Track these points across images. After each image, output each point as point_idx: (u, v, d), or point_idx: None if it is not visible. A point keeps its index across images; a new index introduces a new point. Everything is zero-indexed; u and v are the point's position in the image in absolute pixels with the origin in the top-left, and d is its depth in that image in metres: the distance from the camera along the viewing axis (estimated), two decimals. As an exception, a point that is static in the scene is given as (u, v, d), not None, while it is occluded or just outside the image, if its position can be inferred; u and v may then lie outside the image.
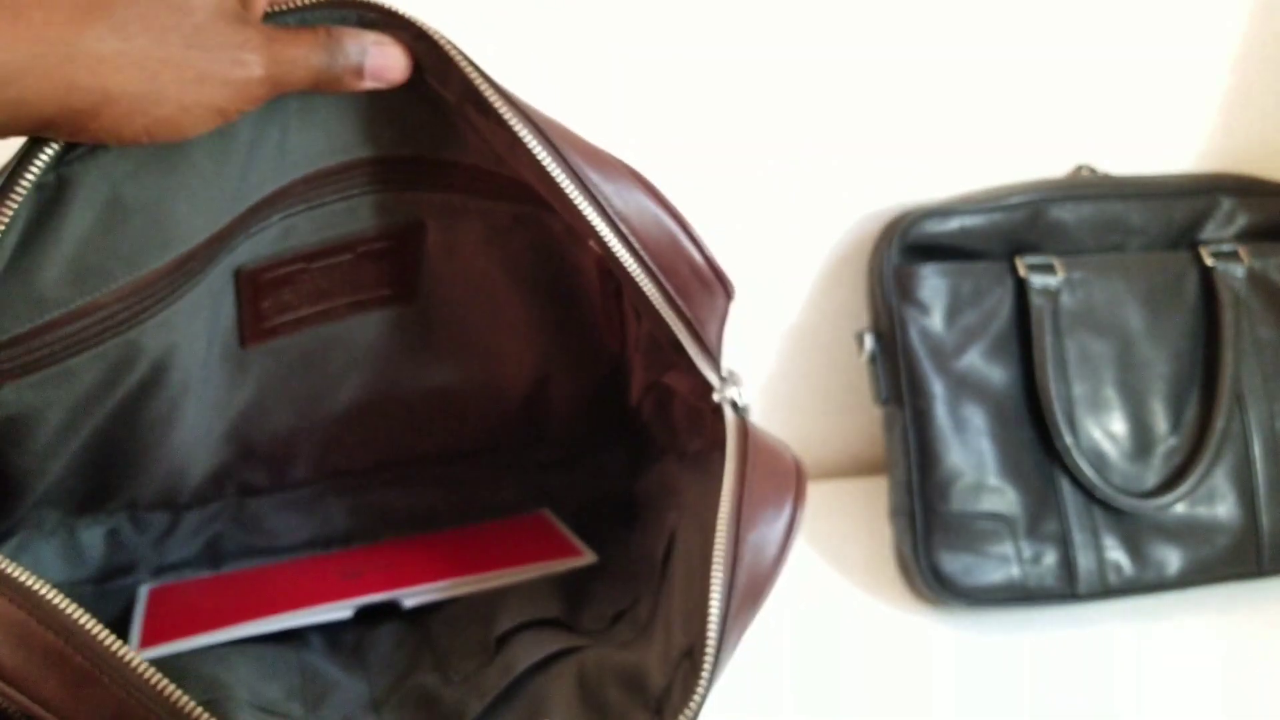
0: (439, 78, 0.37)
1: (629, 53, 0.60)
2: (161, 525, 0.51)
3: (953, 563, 0.58)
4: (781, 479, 0.40)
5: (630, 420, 0.54)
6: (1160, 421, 0.62)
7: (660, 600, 0.42)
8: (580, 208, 0.37)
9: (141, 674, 0.29)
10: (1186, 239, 0.64)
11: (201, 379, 0.45)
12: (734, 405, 0.42)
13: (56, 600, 0.29)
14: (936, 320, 0.61)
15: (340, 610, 0.47)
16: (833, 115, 0.63)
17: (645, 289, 0.39)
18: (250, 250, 0.43)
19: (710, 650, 0.35)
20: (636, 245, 0.38)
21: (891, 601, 0.61)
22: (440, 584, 0.48)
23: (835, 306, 0.68)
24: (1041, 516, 0.60)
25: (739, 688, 0.55)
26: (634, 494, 0.53)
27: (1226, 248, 0.64)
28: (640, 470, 0.54)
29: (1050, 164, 0.67)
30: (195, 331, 0.43)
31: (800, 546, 0.67)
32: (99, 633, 0.29)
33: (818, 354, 0.70)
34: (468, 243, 0.48)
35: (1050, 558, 0.59)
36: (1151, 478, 0.61)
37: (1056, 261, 0.62)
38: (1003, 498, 0.60)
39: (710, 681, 0.35)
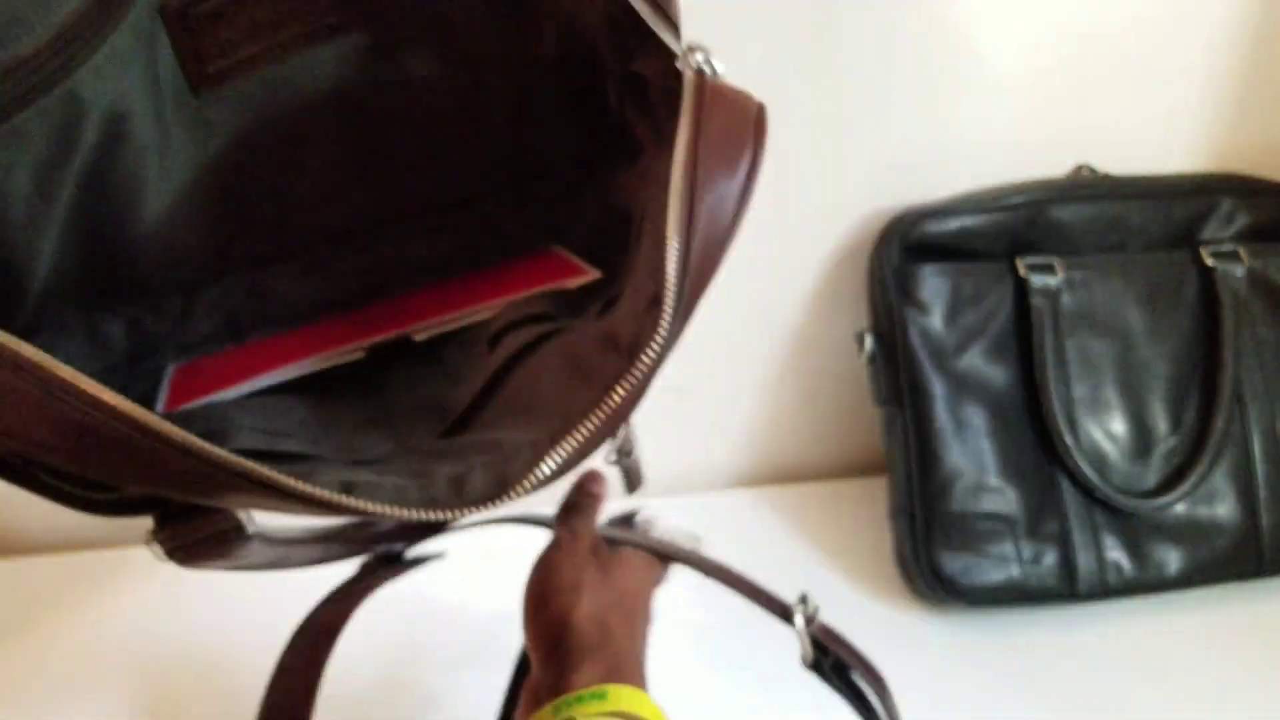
0: None
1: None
2: (177, 307, 0.51)
3: (953, 563, 0.58)
4: (739, 125, 0.38)
5: (617, 126, 0.51)
6: (1160, 422, 0.62)
7: (631, 271, 0.41)
8: None
9: (88, 390, 0.29)
10: (1186, 239, 0.64)
11: (161, 133, 0.45)
12: (701, 71, 0.40)
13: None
14: (937, 320, 0.61)
15: (353, 352, 0.47)
16: (833, 115, 0.63)
17: None
18: None
19: (670, 290, 0.35)
20: None
21: (891, 601, 0.61)
22: (449, 315, 0.49)
23: (835, 307, 0.68)
24: (1041, 517, 0.60)
25: (739, 687, 0.55)
26: (625, 200, 0.52)
27: (1226, 248, 0.64)
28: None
29: (1050, 164, 0.67)
30: (135, 80, 0.43)
31: (800, 546, 0.67)
32: (43, 360, 0.29)
33: (818, 354, 0.70)
34: None
35: (1050, 558, 0.59)
36: (1151, 478, 0.61)
37: (1057, 262, 0.62)
38: (1003, 498, 0.59)
39: (673, 321, 0.35)
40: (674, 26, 0.40)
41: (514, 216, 0.55)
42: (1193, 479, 0.61)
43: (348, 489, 0.34)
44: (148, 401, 0.47)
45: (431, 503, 0.35)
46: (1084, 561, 0.59)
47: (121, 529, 0.52)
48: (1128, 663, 0.56)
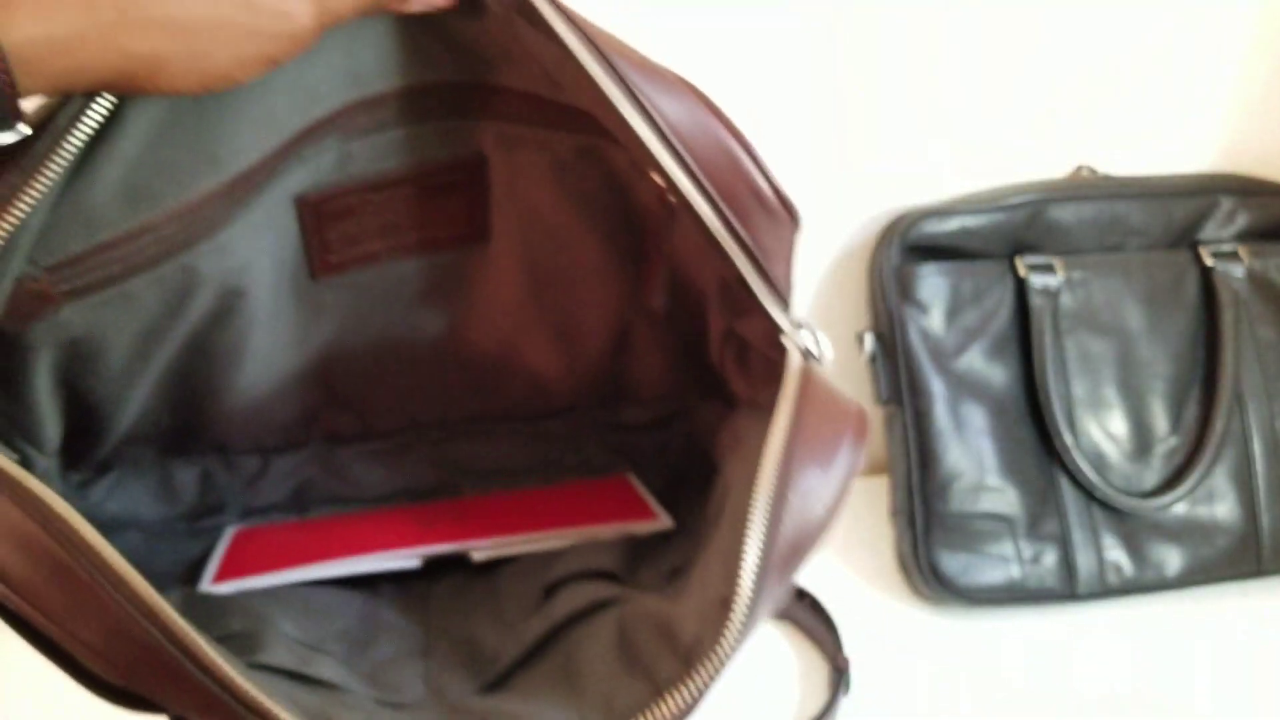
0: None
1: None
2: (252, 468, 0.52)
3: (952, 562, 0.59)
4: (839, 423, 0.36)
5: (716, 377, 0.50)
6: (1160, 421, 0.62)
7: (705, 550, 0.39)
8: (628, 117, 0.35)
9: (140, 594, 0.29)
10: (1186, 239, 0.64)
11: (272, 311, 0.46)
12: (806, 353, 0.39)
13: (66, 514, 0.29)
14: (937, 320, 0.61)
15: (408, 559, 0.47)
16: (833, 116, 0.63)
17: (701, 211, 0.36)
18: (309, 177, 0.43)
19: (742, 598, 0.33)
20: (690, 162, 0.36)
21: (891, 601, 0.61)
22: (510, 538, 0.48)
23: (835, 307, 0.68)
24: (1041, 516, 0.60)
25: (737, 686, 0.55)
26: (712, 451, 0.50)
27: (1226, 248, 0.64)
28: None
29: (1050, 164, 0.67)
30: (258, 259, 0.43)
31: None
32: (104, 550, 0.29)
33: (818, 354, 0.70)
34: (531, 176, 0.47)
35: (1050, 557, 0.59)
36: (1151, 478, 0.61)
37: (1056, 261, 0.62)
38: (1002, 497, 0.60)
39: (741, 633, 0.33)
40: (784, 301, 0.40)
41: (597, 438, 0.55)
42: (1192, 479, 0.61)
43: None
44: (205, 562, 0.48)
45: None
46: (1084, 561, 0.59)
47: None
48: (1127, 662, 0.56)
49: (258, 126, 0.39)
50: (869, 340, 0.62)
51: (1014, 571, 0.59)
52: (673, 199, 0.37)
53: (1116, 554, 0.60)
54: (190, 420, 0.49)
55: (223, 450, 0.51)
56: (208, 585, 0.45)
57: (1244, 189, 0.65)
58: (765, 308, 0.39)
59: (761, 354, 0.43)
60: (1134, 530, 0.61)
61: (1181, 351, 0.63)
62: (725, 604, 0.33)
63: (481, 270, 0.49)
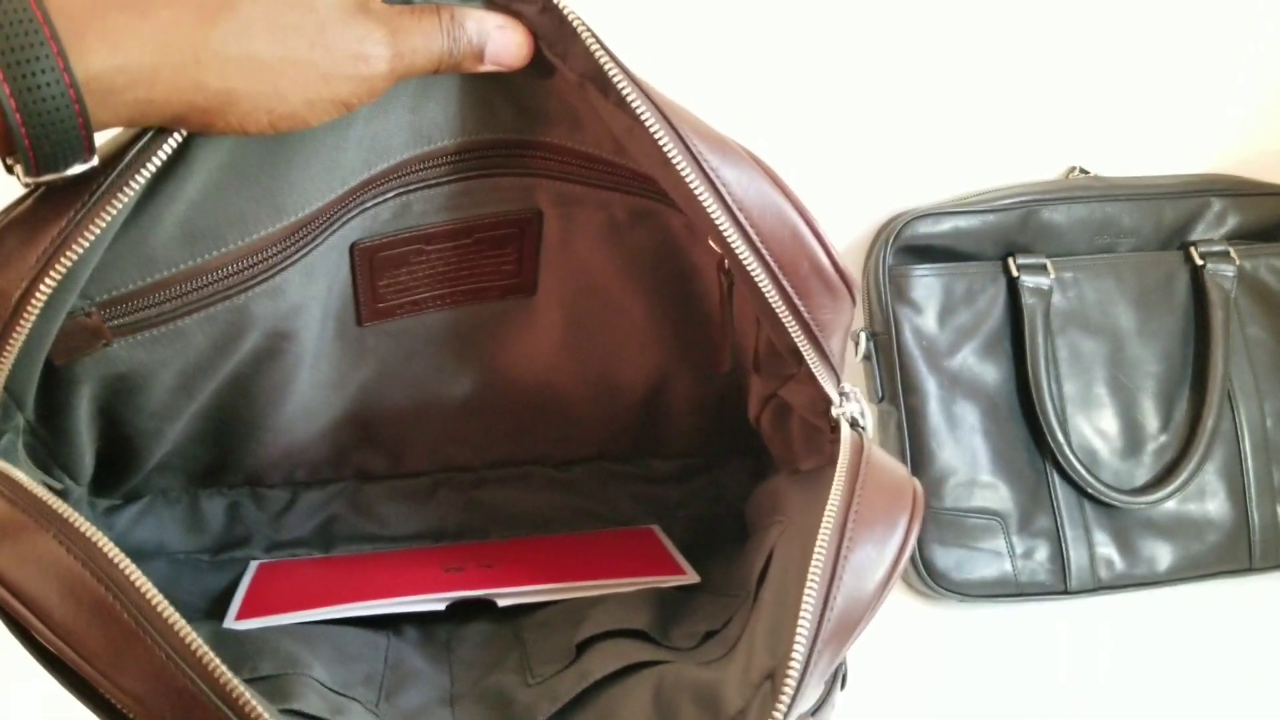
0: (560, 54, 0.36)
1: (626, 52, 0.61)
2: (280, 502, 0.52)
3: (945, 557, 0.59)
4: (895, 499, 0.36)
5: (751, 435, 0.50)
6: (1151, 419, 0.63)
7: (750, 619, 0.39)
8: (695, 190, 0.35)
9: (185, 640, 0.29)
10: (1177, 239, 0.65)
11: (316, 353, 0.46)
12: (853, 424, 0.39)
13: (112, 554, 0.29)
14: (930, 320, 0.62)
15: (434, 603, 0.47)
16: (828, 117, 0.64)
17: (761, 284, 0.36)
18: (366, 226, 0.43)
19: (793, 675, 0.32)
20: (754, 235, 0.36)
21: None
22: (536, 587, 0.48)
23: (831, 306, 0.69)
24: (1033, 512, 0.61)
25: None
26: (745, 511, 0.51)
27: (1217, 248, 0.64)
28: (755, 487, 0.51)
29: (1043, 166, 0.68)
30: (308, 304, 0.43)
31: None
32: (150, 593, 0.29)
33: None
34: (585, 235, 0.47)
35: (1042, 553, 0.60)
36: (1142, 474, 0.62)
37: (1048, 262, 0.62)
38: (995, 494, 0.60)
39: (790, 709, 0.33)
40: (835, 374, 0.40)
41: (625, 488, 0.55)
42: (1183, 476, 0.61)
43: None
44: (229, 596, 0.48)
45: None
46: (1075, 557, 0.60)
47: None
48: (1119, 657, 0.57)
49: (323, 175, 0.39)
50: (864, 339, 0.63)
51: (1006, 567, 0.60)
52: (731, 268, 0.37)
53: (1108, 550, 0.61)
54: (224, 454, 0.49)
55: (252, 483, 0.52)
56: (232, 622, 0.45)
57: (1234, 190, 0.66)
58: (818, 380, 0.39)
59: (804, 420, 0.43)
60: (1125, 526, 0.61)
61: (1172, 350, 0.64)
62: (774, 680, 0.33)
63: (525, 322, 0.49)
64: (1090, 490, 0.60)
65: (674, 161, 0.35)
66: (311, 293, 0.43)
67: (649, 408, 0.53)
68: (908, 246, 0.62)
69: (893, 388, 0.62)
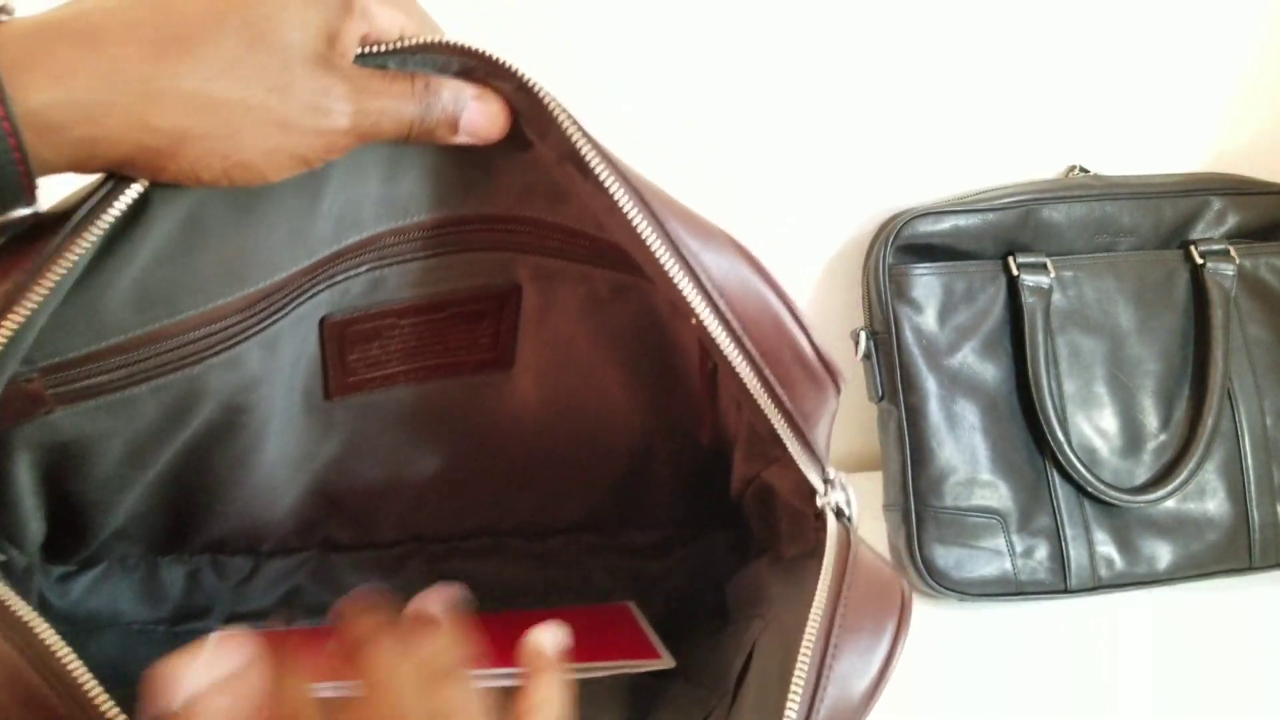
0: (538, 133, 0.35)
1: (626, 53, 0.61)
2: (242, 571, 0.50)
3: (945, 556, 0.59)
4: (883, 602, 0.35)
5: (732, 512, 0.50)
6: (1151, 418, 0.63)
7: (732, 705, 0.38)
8: (674, 277, 0.34)
9: None
10: (1177, 238, 0.65)
11: (282, 428, 0.44)
12: (838, 513, 0.38)
13: (51, 643, 0.28)
14: (930, 319, 0.62)
15: None
16: (828, 116, 0.64)
17: (742, 374, 0.35)
18: (336, 300, 0.41)
19: None
20: (734, 323, 0.35)
21: (886, 595, 0.61)
22: (503, 670, 0.45)
23: (831, 306, 0.69)
24: (1033, 511, 0.61)
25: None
26: (725, 593, 0.49)
27: (1217, 247, 0.64)
28: (737, 567, 0.50)
29: (1043, 164, 0.68)
30: (269, 377, 0.41)
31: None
32: (88, 684, 0.28)
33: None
34: (565, 308, 0.45)
35: (1042, 552, 0.60)
36: (1142, 473, 0.62)
37: (1048, 261, 0.62)
38: (995, 493, 0.60)
39: None
40: (819, 463, 0.39)
41: (601, 561, 0.54)
42: (1183, 474, 0.61)
43: None
44: None
45: None
46: (1075, 555, 0.60)
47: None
48: (1119, 656, 0.57)
49: (289, 243, 0.37)
50: (864, 338, 0.63)
51: (1006, 566, 0.60)
52: (712, 354, 0.36)
53: (1108, 548, 0.61)
54: (183, 524, 0.47)
55: (213, 550, 0.50)
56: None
57: (1234, 189, 0.66)
58: (800, 468, 0.38)
59: (788, 504, 0.42)
60: (1125, 525, 0.61)
61: (1172, 349, 0.64)
62: None
63: (501, 395, 0.48)
64: (1090, 489, 0.60)
65: (650, 244, 0.34)
66: (274, 366, 0.41)
67: (628, 481, 0.52)
68: (908, 245, 0.62)
69: (892, 386, 0.62)
